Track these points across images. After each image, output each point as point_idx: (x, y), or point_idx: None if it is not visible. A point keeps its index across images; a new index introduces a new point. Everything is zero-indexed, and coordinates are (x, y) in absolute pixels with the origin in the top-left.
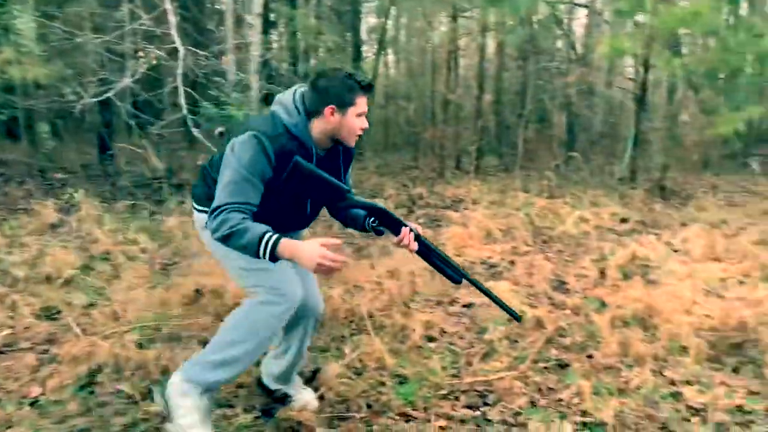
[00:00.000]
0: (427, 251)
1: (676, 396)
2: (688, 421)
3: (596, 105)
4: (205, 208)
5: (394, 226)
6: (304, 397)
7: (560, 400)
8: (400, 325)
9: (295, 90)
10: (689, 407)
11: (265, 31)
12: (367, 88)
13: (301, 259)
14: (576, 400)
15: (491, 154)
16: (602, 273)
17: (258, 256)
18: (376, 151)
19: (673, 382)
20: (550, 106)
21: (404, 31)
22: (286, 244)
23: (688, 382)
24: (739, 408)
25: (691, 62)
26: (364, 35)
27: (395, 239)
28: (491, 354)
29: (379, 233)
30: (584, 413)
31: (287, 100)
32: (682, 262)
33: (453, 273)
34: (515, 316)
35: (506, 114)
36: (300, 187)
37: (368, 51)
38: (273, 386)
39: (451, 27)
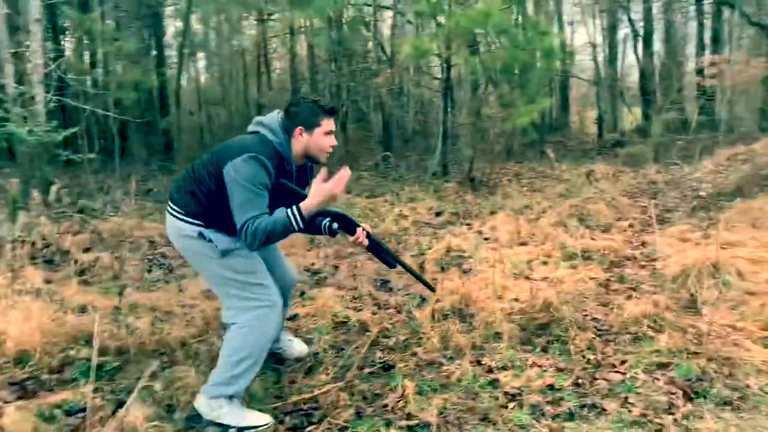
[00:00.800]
0: (377, 246)
1: (494, 383)
2: (506, 407)
3: (407, 104)
4: (191, 220)
5: (350, 227)
6: (294, 346)
7: (386, 406)
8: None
9: (277, 114)
10: (506, 393)
11: (54, 39)
12: (331, 112)
13: (322, 202)
14: (401, 404)
15: None
16: (421, 267)
17: (296, 229)
18: (189, 160)
19: (490, 370)
20: (366, 107)
21: (214, 34)
22: (305, 206)
23: (504, 368)
24: (550, 387)
25: (488, 60)
26: (170, 39)
27: (351, 238)
28: (316, 367)
29: (334, 234)
30: (409, 416)
31: (272, 122)
32: (491, 249)
33: (391, 261)
34: (430, 287)
35: None
36: (282, 199)
37: (175, 56)
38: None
39: (259, 30)
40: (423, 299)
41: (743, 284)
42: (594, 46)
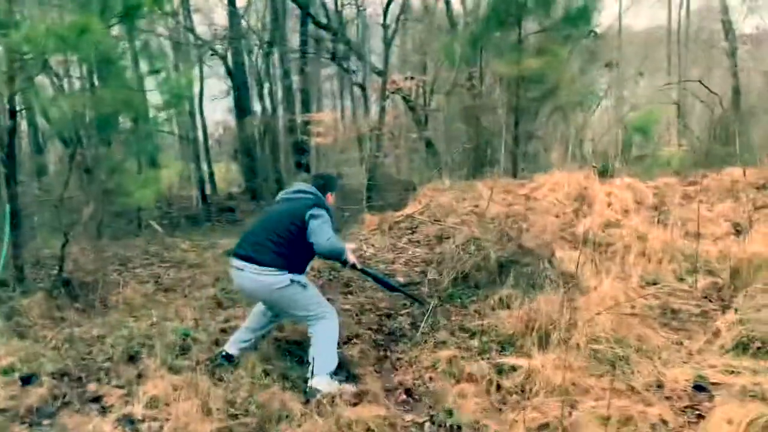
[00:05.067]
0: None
1: None
2: None
3: None
4: (280, 272)
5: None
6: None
7: None
8: None
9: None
10: None
11: None
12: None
13: (349, 256)
14: None
15: None
16: None
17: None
18: None
19: None
20: None
21: None
22: (348, 252)
23: None
24: None
25: (78, 103)
26: None
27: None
28: None
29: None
30: None
31: (310, 188)
32: None
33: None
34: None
35: None
36: None
37: None
38: (235, 353)
39: None
40: None
41: None
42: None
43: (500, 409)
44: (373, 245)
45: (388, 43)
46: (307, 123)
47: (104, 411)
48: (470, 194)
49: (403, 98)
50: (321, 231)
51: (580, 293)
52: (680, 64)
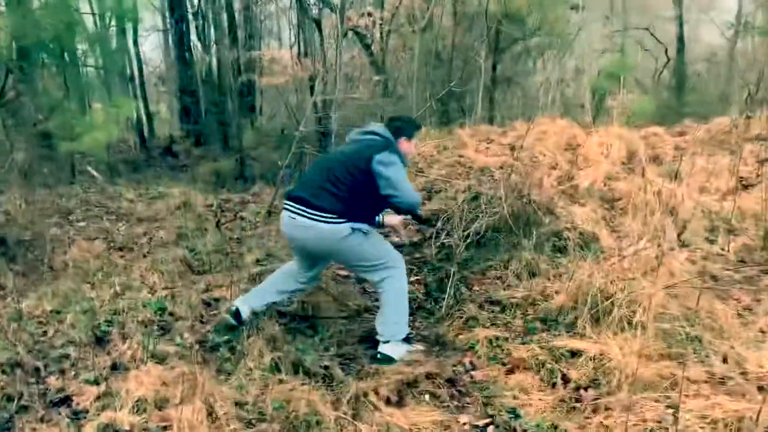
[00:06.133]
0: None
1: None
2: None
3: None
4: (340, 220)
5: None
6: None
7: None
8: None
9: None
10: None
11: None
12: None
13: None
14: None
15: None
16: None
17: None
18: None
19: None
20: None
21: None
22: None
23: None
24: None
25: None
26: None
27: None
28: None
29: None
30: None
31: (382, 130)
32: None
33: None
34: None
35: None
36: None
37: None
38: (246, 313)
39: None
40: None
41: None
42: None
43: (574, 408)
44: None
45: None
46: (252, 61)
47: (77, 417)
48: (452, 142)
49: (357, 35)
50: (398, 181)
51: (609, 257)
52: (624, 11)
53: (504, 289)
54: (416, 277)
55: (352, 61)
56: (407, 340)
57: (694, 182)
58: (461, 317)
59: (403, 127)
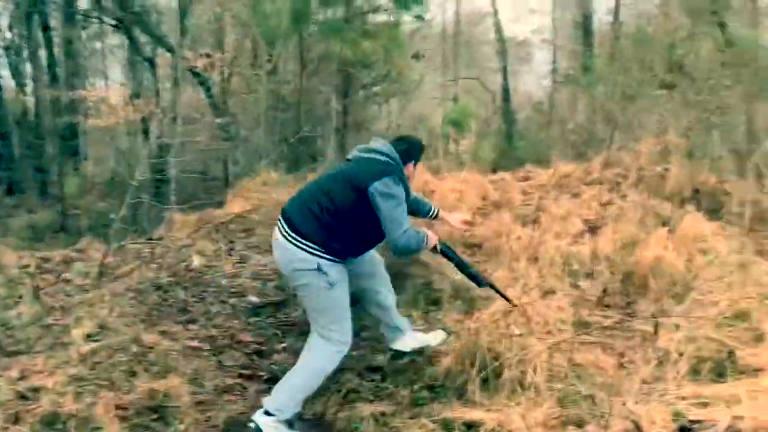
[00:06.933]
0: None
1: None
2: None
3: None
4: (314, 248)
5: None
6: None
7: None
8: None
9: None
10: None
11: None
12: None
13: (431, 240)
14: None
15: None
16: None
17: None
18: None
19: None
20: None
21: None
22: (429, 235)
23: None
24: None
25: None
26: None
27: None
28: None
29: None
30: None
31: (389, 150)
32: None
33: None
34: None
35: None
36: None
37: None
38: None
39: None
40: None
41: None
42: None
43: None
44: (201, 253)
45: (183, 12)
46: (76, 101)
47: None
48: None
49: (196, 76)
50: (393, 219)
51: (481, 309)
52: (455, 62)
53: (383, 353)
54: (282, 345)
55: (191, 103)
56: (290, 423)
57: (547, 226)
58: (339, 390)
59: (412, 150)
